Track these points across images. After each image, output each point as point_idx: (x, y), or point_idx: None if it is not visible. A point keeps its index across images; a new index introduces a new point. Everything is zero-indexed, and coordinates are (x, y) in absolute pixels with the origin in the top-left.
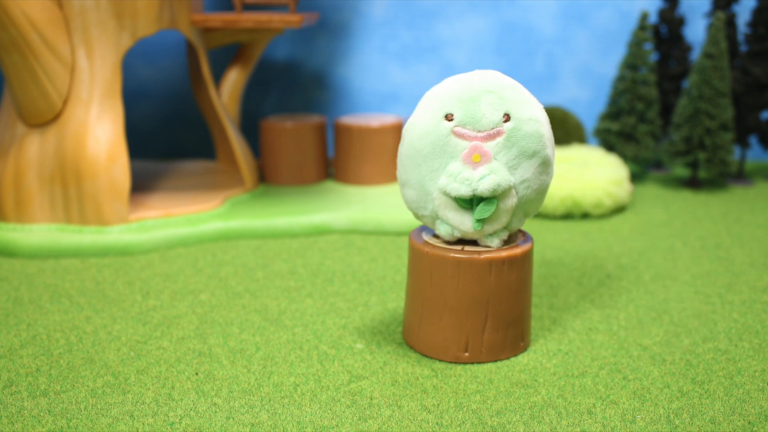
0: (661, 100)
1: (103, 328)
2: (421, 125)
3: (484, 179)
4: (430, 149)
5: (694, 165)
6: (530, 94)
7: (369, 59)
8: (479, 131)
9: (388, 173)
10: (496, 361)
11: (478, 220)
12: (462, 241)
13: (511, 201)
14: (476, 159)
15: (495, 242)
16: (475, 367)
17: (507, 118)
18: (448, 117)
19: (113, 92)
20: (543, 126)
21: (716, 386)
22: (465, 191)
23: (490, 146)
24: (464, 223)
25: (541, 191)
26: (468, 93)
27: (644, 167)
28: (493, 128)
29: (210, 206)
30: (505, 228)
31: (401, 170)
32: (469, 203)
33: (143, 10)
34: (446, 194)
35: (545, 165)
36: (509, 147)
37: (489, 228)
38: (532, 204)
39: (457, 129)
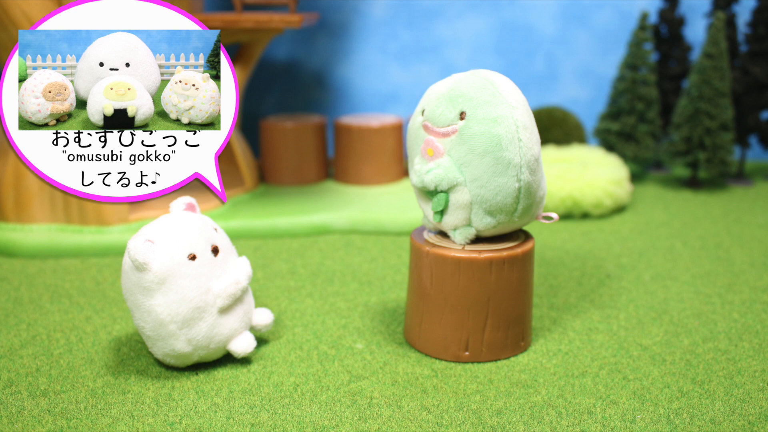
0: (661, 100)
1: (103, 328)
2: (412, 118)
3: (430, 172)
4: (411, 140)
5: (694, 165)
6: (513, 95)
7: (369, 59)
8: (439, 127)
9: (388, 173)
10: (496, 360)
11: (436, 212)
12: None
13: (462, 196)
14: (429, 153)
15: (458, 238)
16: (475, 367)
17: (462, 116)
18: (423, 112)
19: None
20: (501, 127)
21: (716, 386)
22: (416, 182)
23: (444, 142)
24: (429, 213)
25: (503, 192)
26: (439, 90)
27: (644, 167)
28: (448, 125)
29: (210, 206)
30: (469, 225)
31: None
32: (432, 195)
33: None
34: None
35: (502, 166)
36: (461, 144)
37: (449, 221)
38: (494, 204)
39: (425, 123)
